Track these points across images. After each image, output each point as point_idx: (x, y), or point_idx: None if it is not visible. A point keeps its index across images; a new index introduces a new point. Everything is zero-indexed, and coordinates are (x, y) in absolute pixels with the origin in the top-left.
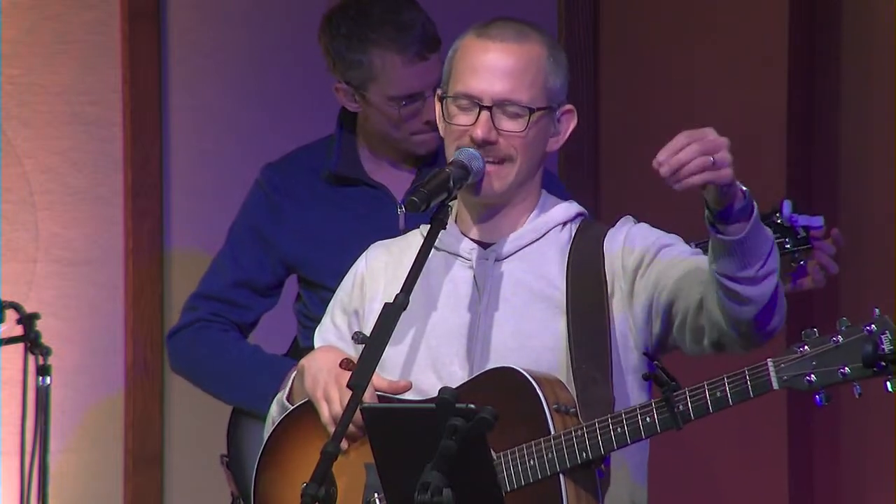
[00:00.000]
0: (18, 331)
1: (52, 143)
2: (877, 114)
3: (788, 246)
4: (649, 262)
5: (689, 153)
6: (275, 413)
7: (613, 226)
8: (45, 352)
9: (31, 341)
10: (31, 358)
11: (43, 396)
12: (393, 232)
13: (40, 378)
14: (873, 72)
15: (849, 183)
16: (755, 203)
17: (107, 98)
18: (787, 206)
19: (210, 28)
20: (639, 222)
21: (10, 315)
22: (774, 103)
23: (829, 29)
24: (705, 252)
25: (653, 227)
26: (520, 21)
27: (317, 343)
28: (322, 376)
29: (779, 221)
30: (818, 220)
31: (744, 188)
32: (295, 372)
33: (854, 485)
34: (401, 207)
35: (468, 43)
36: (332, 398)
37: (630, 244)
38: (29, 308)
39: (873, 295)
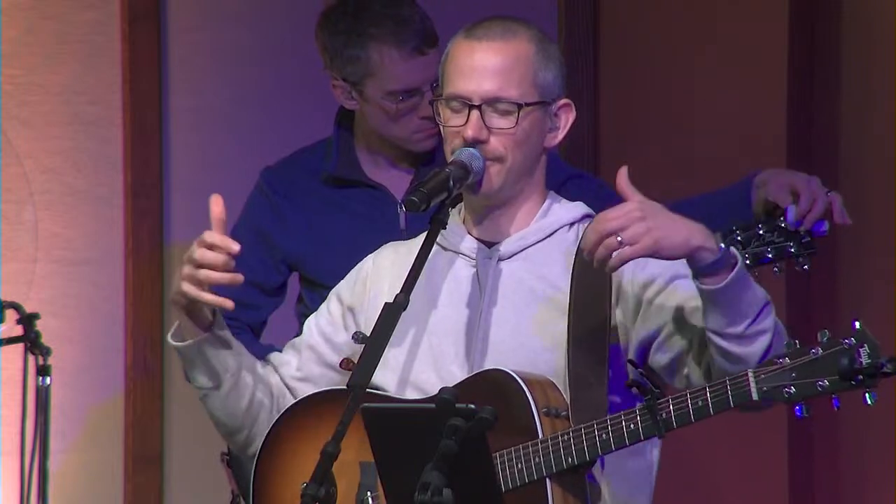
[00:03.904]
0: (18, 331)
1: (52, 143)
2: (877, 114)
3: (793, 250)
4: (660, 287)
5: (592, 241)
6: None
7: None
8: (45, 352)
9: (31, 341)
10: (31, 358)
11: (43, 396)
12: (393, 232)
13: (40, 378)
14: (873, 71)
15: (849, 183)
16: (740, 258)
17: (107, 98)
18: (791, 212)
19: (210, 28)
20: None
21: (10, 315)
22: (774, 103)
23: (829, 28)
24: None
25: None
26: (509, 18)
27: (305, 325)
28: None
29: (783, 226)
30: (823, 225)
31: (718, 245)
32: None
33: (854, 485)
34: (401, 207)
35: (457, 45)
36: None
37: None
38: (29, 308)
39: (873, 294)
